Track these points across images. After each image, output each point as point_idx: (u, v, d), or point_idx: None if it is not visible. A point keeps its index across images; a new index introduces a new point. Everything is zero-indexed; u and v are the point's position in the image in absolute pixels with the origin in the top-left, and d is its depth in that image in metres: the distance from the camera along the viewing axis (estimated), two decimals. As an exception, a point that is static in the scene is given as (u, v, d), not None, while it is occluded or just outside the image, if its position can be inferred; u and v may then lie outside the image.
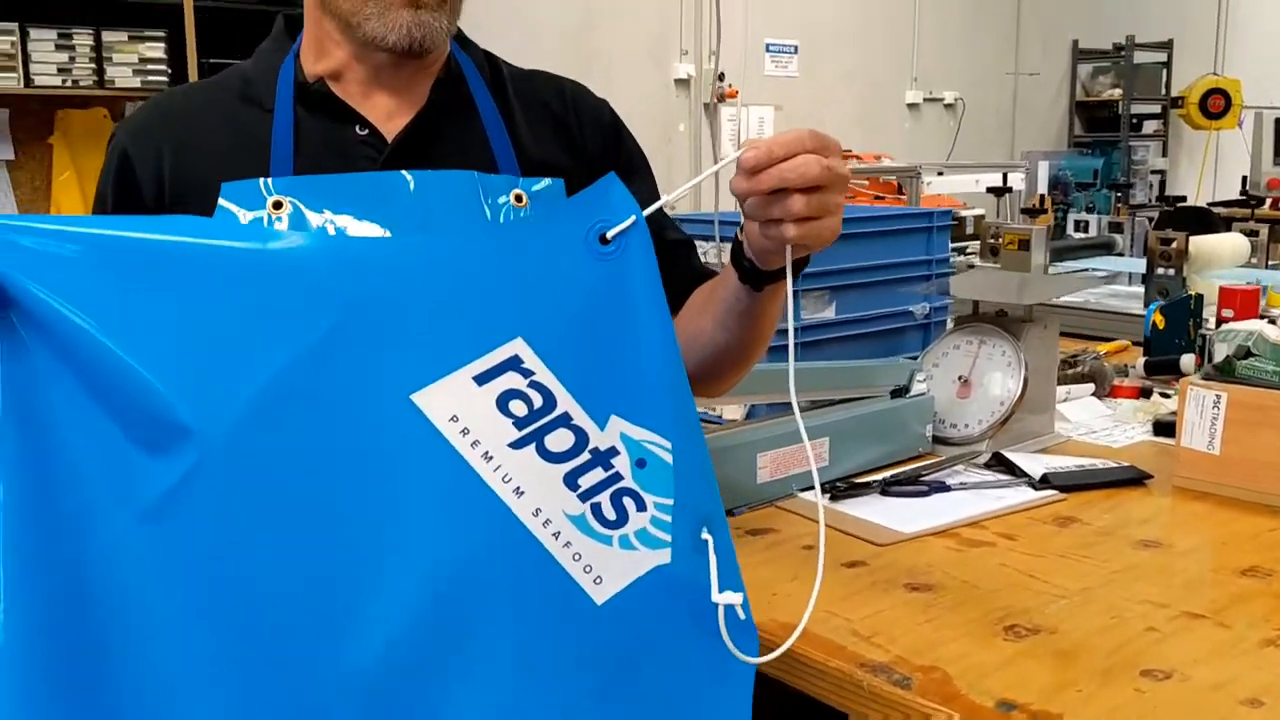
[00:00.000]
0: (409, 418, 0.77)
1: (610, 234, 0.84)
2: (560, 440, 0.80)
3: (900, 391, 1.66)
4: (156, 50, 3.66)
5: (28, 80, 3.51)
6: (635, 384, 0.83)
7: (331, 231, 0.91)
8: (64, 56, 3.59)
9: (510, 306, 0.81)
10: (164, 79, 3.65)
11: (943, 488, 1.50)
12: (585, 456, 0.81)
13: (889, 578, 1.23)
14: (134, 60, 3.65)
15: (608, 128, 1.18)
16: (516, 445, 0.79)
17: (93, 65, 3.61)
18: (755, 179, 0.86)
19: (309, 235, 0.80)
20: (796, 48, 6.13)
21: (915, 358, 1.80)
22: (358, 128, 1.05)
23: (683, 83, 5.68)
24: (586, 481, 0.81)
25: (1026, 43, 7.33)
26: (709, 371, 1.15)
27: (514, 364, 0.79)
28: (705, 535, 0.85)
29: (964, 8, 6.88)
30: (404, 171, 0.97)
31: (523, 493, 0.79)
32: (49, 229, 0.74)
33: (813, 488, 1.51)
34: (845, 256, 1.85)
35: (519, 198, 1.01)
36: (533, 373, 0.80)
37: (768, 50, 6.01)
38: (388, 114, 1.06)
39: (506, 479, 0.79)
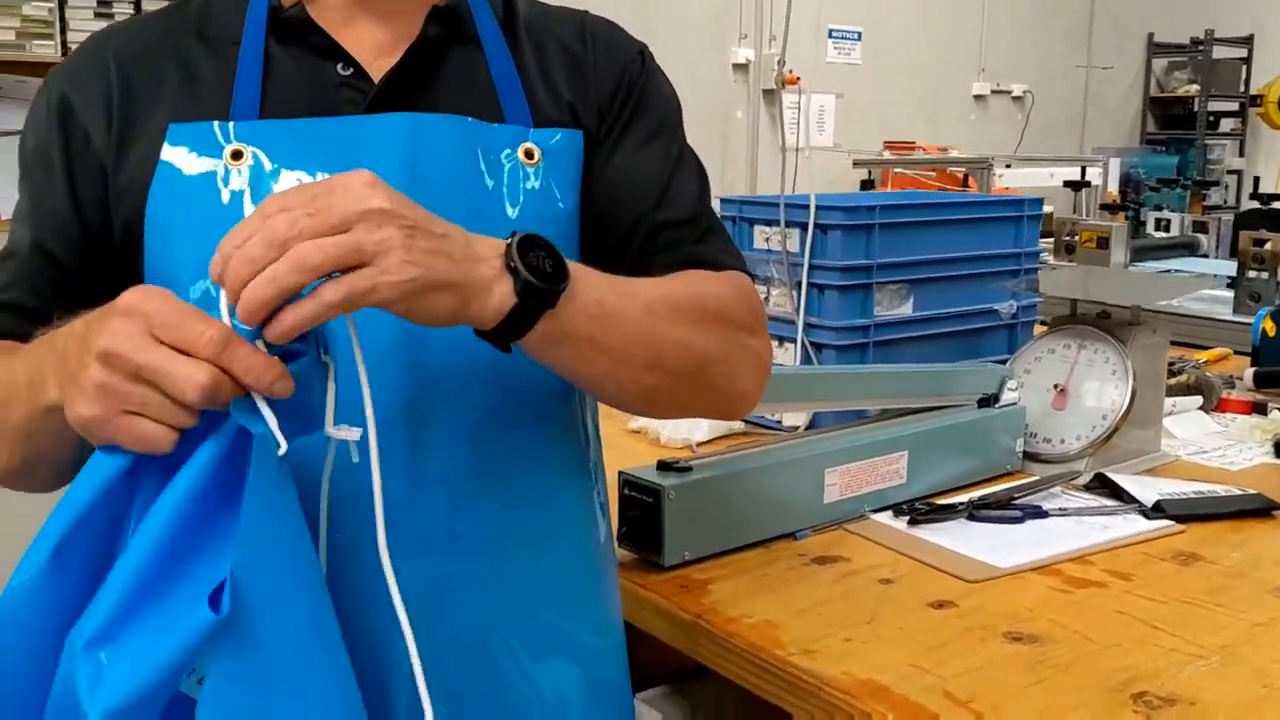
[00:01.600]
0: None
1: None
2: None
3: (989, 400, 1.47)
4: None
5: (65, 49, 3.41)
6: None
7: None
8: (102, 24, 3.46)
9: None
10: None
11: (1038, 513, 1.31)
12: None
13: (984, 623, 1.04)
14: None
15: (629, 72, 0.94)
16: None
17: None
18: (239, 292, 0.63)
19: None
20: (860, 34, 5.90)
21: (1003, 362, 1.60)
22: (340, 66, 0.85)
23: (741, 68, 5.47)
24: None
25: (1100, 35, 7.03)
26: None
27: None
28: None
29: (1036, -4, 6.61)
30: (391, 115, 0.80)
31: None
32: None
33: (889, 508, 1.33)
34: (926, 246, 1.66)
35: (529, 153, 0.83)
36: None
37: (830, 36, 5.79)
38: (375, 49, 0.86)
39: None
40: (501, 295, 0.70)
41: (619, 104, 0.93)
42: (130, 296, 0.62)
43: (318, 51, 0.85)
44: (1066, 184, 3.83)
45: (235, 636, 0.62)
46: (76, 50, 0.89)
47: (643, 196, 0.90)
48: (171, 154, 0.79)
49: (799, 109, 5.59)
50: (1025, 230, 1.77)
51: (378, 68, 0.84)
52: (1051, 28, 6.75)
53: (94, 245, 0.85)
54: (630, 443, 1.62)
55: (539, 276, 0.71)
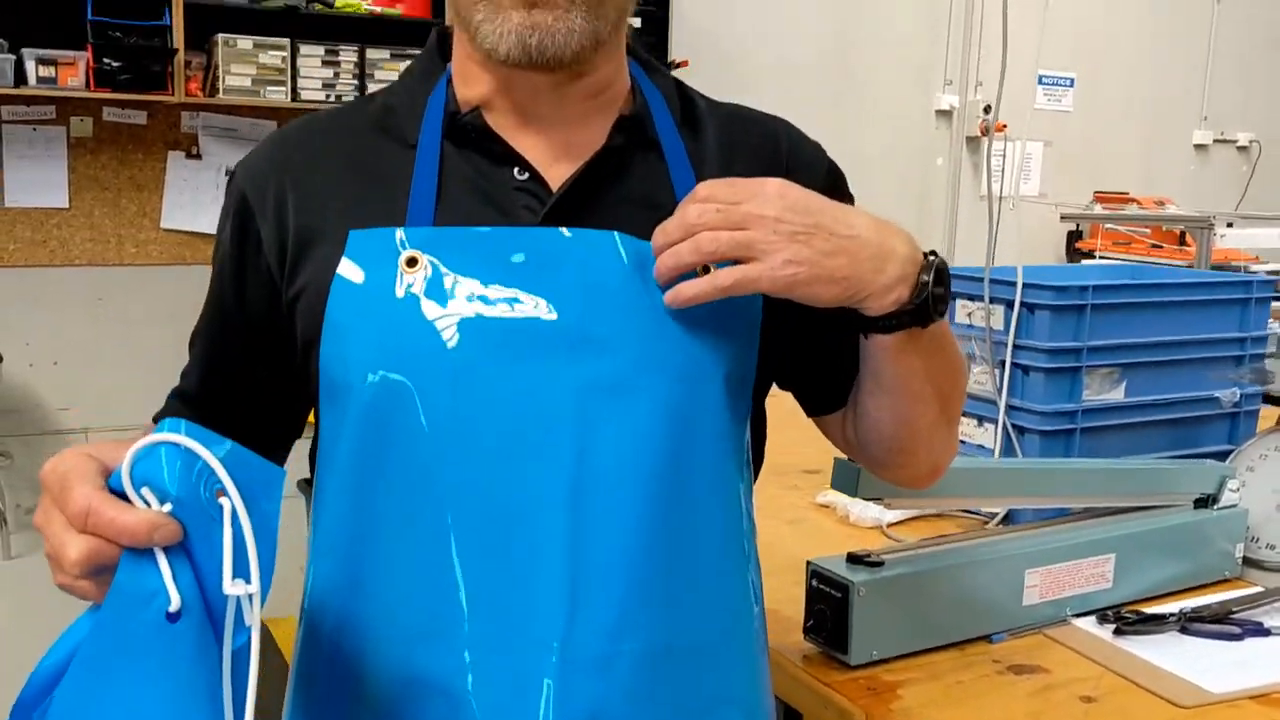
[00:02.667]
0: None
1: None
2: None
3: (1206, 501, 1.38)
4: (414, 67, 3.68)
5: (295, 94, 3.60)
6: None
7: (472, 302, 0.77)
8: (329, 72, 3.67)
9: None
10: (420, 96, 3.67)
11: (1259, 630, 1.22)
12: None
13: (1196, 758, 0.98)
14: (393, 76, 3.69)
15: (823, 184, 0.90)
16: None
17: (355, 80, 3.68)
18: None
19: None
20: (1073, 80, 5.70)
21: (1225, 456, 1.51)
22: (516, 170, 0.85)
23: (944, 114, 5.36)
24: None
25: (1339, 81, 6.58)
26: (888, 452, 0.94)
27: None
28: None
29: (1267, 38, 6.24)
30: (564, 230, 0.80)
31: None
32: None
33: (1093, 613, 1.26)
34: (1141, 328, 1.57)
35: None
36: None
37: (1040, 82, 5.61)
38: (552, 154, 0.86)
39: None
40: (897, 299, 0.80)
41: None
42: (46, 466, 0.66)
43: (494, 156, 0.85)
44: (1298, 248, 3.59)
45: None
46: (260, 147, 0.92)
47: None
48: (348, 260, 0.81)
49: (1004, 157, 5.43)
50: (1253, 313, 1.66)
51: (555, 174, 0.85)
52: (1284, 72, 6.36)
53: (262, 346, 0.89)
54: (818, 518, 1.59)
55: (936, 302, 0.81)
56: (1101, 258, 4.67)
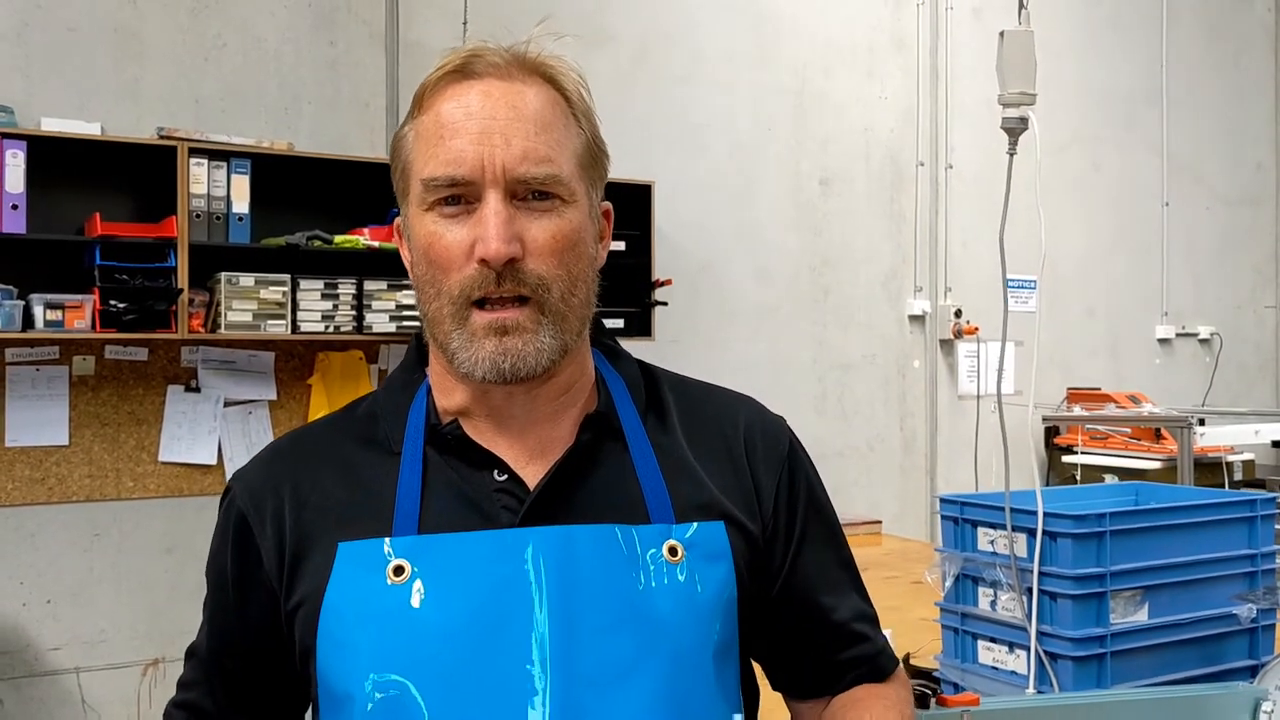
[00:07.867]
0: None
1: None
2: None
3: (1245, 725, 1.40)
4: (411, 297, 3.81)
5: (294, 327, 3.68)
6: None
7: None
8: (328, 304, 3.77)
9: None
10: (416, 323, 3.78)
11: None
12: None
13: None
14: (391, 307, 3.81)
15: (784, 455, 1.00)
16: None
17: (354, 311, 3.78)
18: None
19: None
20: (1035, 282, 5.94)
21: (1251, 670, 1.54)
22: (495, 473, 0.92)
23: (917, 319, 5.56)
24: None
25: (1287, 274, 6.89)
26: None
27: None
28: None
29: (1217, 238, 6.57)
30: (544, 530, 0.86)
31: None
32: None
33: None
34: (1159, 551, 1.63)
35: (673, 550, 0.88)
36: None
37: (1006, 286, 5.85)
38: (528, 454, 0.93)
39: None
40: None
41: (785, 511, 0.99)
42: None
43: (473, 461, 0.92)
44: (1276, 445, 3.70)
45: None
46: (256, 464, 0.98)
47: (828, 604, 0.97)
48: (341, 572, 0.87)
49: (977, 357, 5.61)
50: (1259, 531, 1.72)
51: (530, 472, 0.92)
52: (1236, 267, 6.66)
53: (263, 658, 0.93)
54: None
55: None
56: (1082, 453, 4.78)
